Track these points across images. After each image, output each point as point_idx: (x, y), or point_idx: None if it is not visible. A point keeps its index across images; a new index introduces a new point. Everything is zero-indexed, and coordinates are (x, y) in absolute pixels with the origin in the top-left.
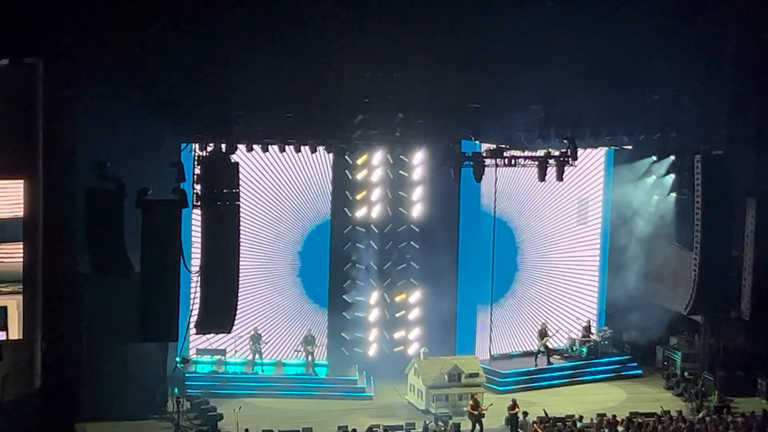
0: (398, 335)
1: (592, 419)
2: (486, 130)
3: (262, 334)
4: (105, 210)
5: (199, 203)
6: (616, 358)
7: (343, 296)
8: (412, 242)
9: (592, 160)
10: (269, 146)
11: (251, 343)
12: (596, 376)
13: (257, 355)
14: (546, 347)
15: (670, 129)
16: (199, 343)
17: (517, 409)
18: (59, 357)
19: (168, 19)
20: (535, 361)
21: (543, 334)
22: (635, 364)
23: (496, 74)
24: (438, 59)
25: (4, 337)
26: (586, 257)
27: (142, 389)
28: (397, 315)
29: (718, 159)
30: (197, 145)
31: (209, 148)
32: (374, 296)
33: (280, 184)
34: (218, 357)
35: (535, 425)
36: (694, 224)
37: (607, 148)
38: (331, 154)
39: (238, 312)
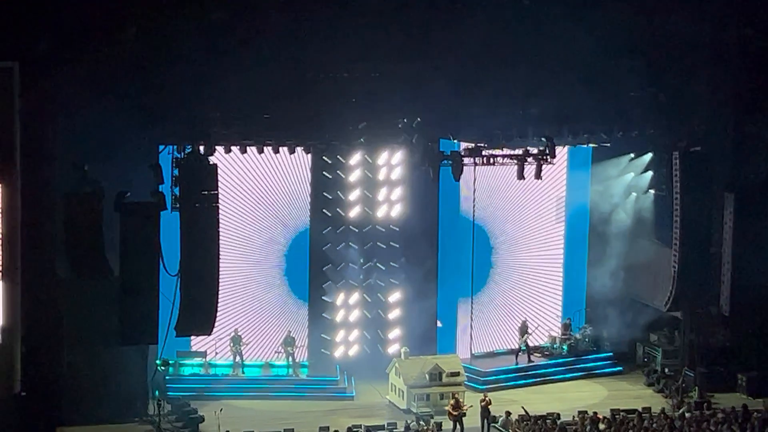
0: (379, 335)
1: (573, 417)
2: (464, 129)
3: (245, 336)
4: (83, 213)
5: (177, 205)
6: (597, 356)
7: (323, 297)
8: (391, 242)
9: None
10: (247, 148)
11: (231, 344)
12: (577, 374)
13: (238, 357)
14: (527, 345)
15: (648, 126)
16: (183, 345)
17: (486, 399)
18: (39, 361)
19: (144, 23)
20: (516, 358)
21: (524, 331)
22: (616, 361)
23: (474, 73)
24: (416, 59)
25: None
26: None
27: (123, 392)
28: (379, 311)
29: (696, 155)
30: (175, 147)
31: (187, 151)
32: (354, 297)
33: (264, 186)
34: (204, 360)
35: (516, 424)
36: (672, 221)
37: (584, 146)
38: (309, 155)
39: (221, 314)
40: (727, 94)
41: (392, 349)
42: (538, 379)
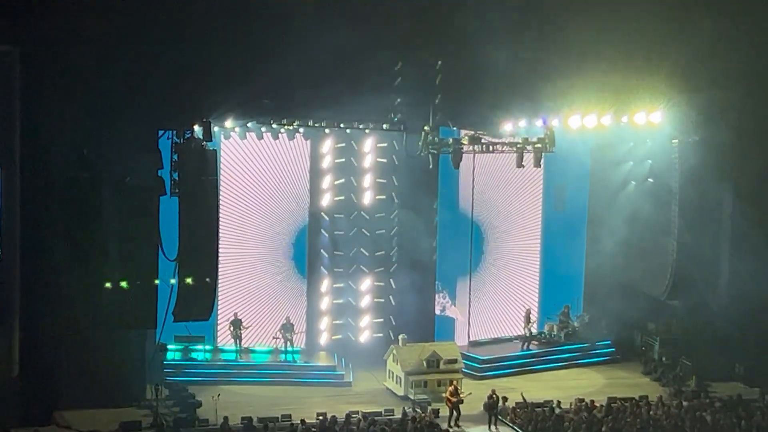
0: (376, 321)
1: (570, 404)
2: (464, 116)
3: (247, 321)
4: (82, 197)
5: (177, 190)
6: (595, 343)
7: (320, 284)
8: (392, 230)
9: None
10: (247, 134)
11: (231, 328)
12: (574, 362)
13: (237, 341)
14: (530, 332)
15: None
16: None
17: (494, 397)
18: (37, 345)
19: (143, 7)
20: (522, 345)
21: (528, 319)
22: (613, 349)
23: (477, 60)
24: (414, 45)
25: None
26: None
27: (121, 377)
28: (377, 299)
29: (696, 144)
30: (174, 132)
31: (186, 136)
32: (349, 283)
33: (268, 172)
34: (212, 345)
35: (513, 411)
36: (671, 210)
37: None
38: (308, 142)
39: (222, 299)
40: (727, 83)
41: (390, 335)
42: (536, 367)
